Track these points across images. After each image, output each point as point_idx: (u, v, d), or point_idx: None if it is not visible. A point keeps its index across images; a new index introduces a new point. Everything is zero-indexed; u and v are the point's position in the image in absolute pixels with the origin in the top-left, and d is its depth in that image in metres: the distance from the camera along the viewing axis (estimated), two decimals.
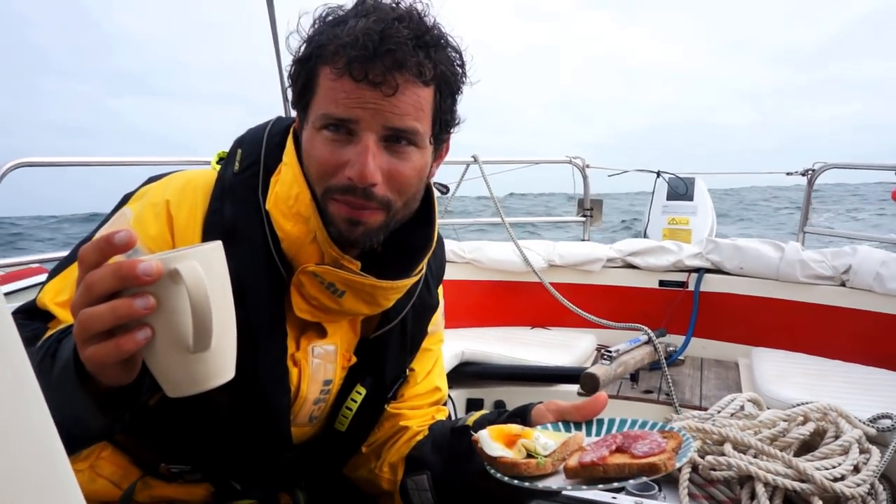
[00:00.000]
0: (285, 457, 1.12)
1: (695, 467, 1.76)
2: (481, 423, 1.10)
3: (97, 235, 0.99)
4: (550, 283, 3.14)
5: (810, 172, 3.74)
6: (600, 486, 0.85)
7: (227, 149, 1.11)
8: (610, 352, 2.55)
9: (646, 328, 2.86)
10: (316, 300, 1.03)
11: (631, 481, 0.92)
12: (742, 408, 2.09)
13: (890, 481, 1.88)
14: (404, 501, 1.17)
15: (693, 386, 2.73)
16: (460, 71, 1.02)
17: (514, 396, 2.67)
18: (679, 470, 1.75)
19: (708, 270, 3.15)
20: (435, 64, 0.97)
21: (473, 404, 2.69)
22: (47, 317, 0.96)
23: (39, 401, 0.37)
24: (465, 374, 2.66)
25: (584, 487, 0.84)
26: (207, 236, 1.00)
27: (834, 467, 1.70)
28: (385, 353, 1.17)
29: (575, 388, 2.44)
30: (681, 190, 5.22)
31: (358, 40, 0.91)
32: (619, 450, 0.88)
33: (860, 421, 1.96)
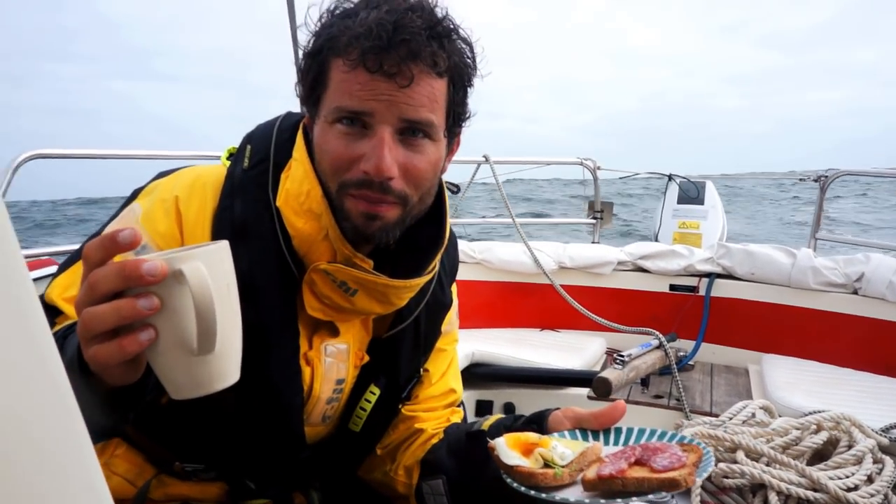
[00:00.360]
0: (299, 456, 1.11)
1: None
2: (497, 429, 1.09)
3: (103, 233, 0.99)
4: (561, 286, 3.14)
5: (823, 179, 3.72)
6: (619, 500, 0.83)
7: (231, 142, 1.10)
8: (623, 356, 2.54)
9: (657, 332, 2.85)
10: (328, 299, 1.02)
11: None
12: (753, 415, 2.07)
13: None
14: None
15: (703, 392, 2.72)
16: (472, 63, 1.00)
17: (524, 399, 2.67)
18: None
19: (719, 276, 3.13)
20: (449, 55, 0.95)
21: (483, 406, 2.68)
22: (55, 312, 0.95)
23: (69, 394, 0.37)
24: (475, 375, 2.66)
25: (603, 502, 0.83)
26: (217, 233, 0.99)
27: (847, 477, 1.69)
28: (398, 353, 1.15)
29: (585, 391, 2.43)
30: (692, 194, 5.20)
31: (372, 31, 0.89)
32: (639, 462, 0.86)
33: (873, 430, 1.95)
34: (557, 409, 1.05)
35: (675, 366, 2.74)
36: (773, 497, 1.65)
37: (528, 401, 2.66)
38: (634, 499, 1.16)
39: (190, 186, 1.03)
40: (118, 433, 0.83)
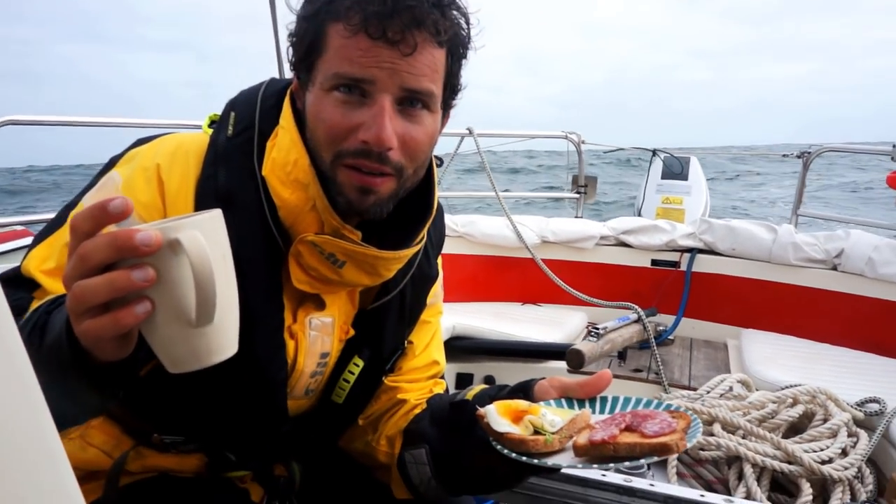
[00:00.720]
0: (281, 429, 1.10)
1: None
2: (482, 398, 1.08)
3: (90, 203, 0.96)
4: (543, 260, 3.13)
5: (806, 155, 3.73)
6: (611, 464, 0.83)
7: (207, 111, 1.06)
8: (597, 329, 2.55)
9: (636, 307, 2.87)
10: (315, 271, 1.00)
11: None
12: (731, 389, 2.09)
13: (876, 465, 1.89)
14: (401, 474, 1.16)
15: (682, 366, 2.74)
16: (468, 34, 0.98)
17: (505, 372, 2.67)
18: None
19: (701, 251, 3.14)
20: (450, 24, 0.93)
21: (463, 379, 2.69)
22: (32, 286, 0.92)
23: (30, 374, 0.36)
24: (456, 348, 2.66)
25: (595, 466, 0.83)
26: (200, 203, 0.97)
27: (822, 450, 1.71)
28: (383, 325, 1.14)
29: (565, 364, 2.44)
30: (676, 169, 5.21)
31: None
32: (629, 429, 0.86)
33: (848, 405, 1.97)
34: (543, 378, 1.04)
35: (653, 340, 2.75)
36: (748, 469, 1.67)
37: (509, 374, 2.66)
38: (613, 470, 1.16)
39: (172, 154, 1.00)
40: (105, 410, 0.81)
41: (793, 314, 2.94)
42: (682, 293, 3.10)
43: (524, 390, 1.03)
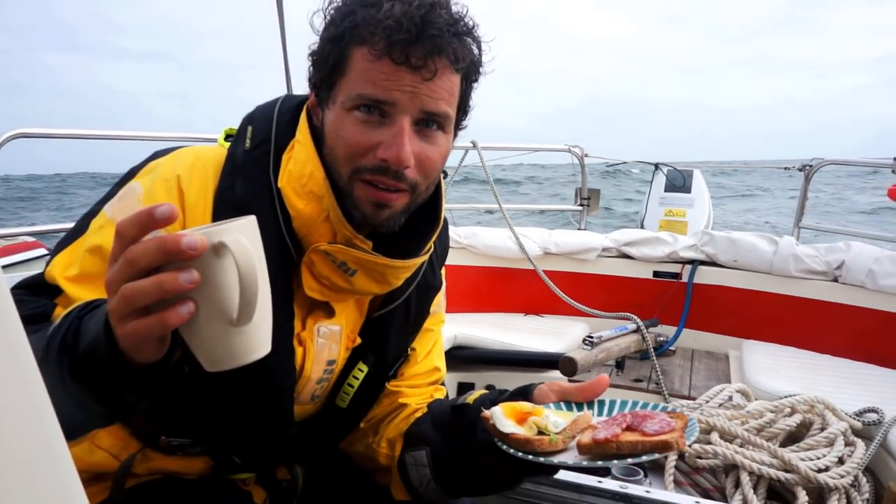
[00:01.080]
0: (287, 434, 1.13)
1: (681, 455, 1.78)
2: (483, 402, 1.11)
3: (111, 213, 1.00)
4: (545, 271, 3.16)
5: (807, 168, 3.75)
6: (614, 461, 0.87)
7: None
8: (592, 338, 2.58)
9: (635, 317, 2.89)
10: (327, 279, 1.04)
11: (616, 468, 0.93)
12: (730, 398, 2.11)
13: (874, 474, 1.90)
14: (402, 476, 1.19)
15: (683, 376, 2.75)
16: (480, 61, 1.04)
17: (505, 381, 2.69)
18: (665, 457, 1.77)
19: (702, 262, 3.16)
20: (467, 52, 0.98)
21: (464, 388, 2.71)
22: (54, 292, 0.96)
23: (36, 378, 0.37)
24: (458, 357, 2.68)
25: (600, 463, 0.86)
26: (218, 213, 1.00)
27: (819, 458, 1.73)
28: (388, 332, 1.18)
29: (571, 377, 2.46)
30: (678, 182, 5.24)
31: (402, 24, 0.91)
32: (629, 428, 0.89)
33: (847, 414, 1.98)
34: (542, 383, 1.07)
35: (652, 350, 2.77)
36: (744, 477, 1.69)
37: (509, 384, 2.66)
38: (610, 477, 1.18)
39: (191, 166, 1.04)
40: (138, 412, 0.84)
41: (794, 325, 2.96)
42: (683, 304, 3.12)
43: (524, 394, 1.06)
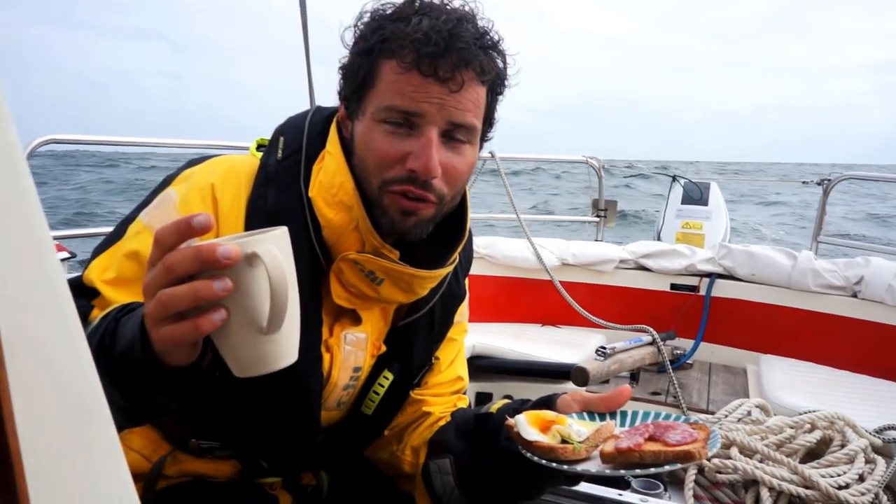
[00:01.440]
0: (313, 440, 1.15)
1: (700, 469, 1.78)
2: (506, 411, 1.13)
3: (147, 219, 1.03)
4: (562, 282, 3.16)
5: (826, 182, 3.74)
6: (637, 470, 0.88)
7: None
8: (605, 349, 2.58)
9: (650, 329, 2.88)
10: (354, 287, 1.06)
11: (636, 481, 0.95)
12: (749, 413, 2.11)
13: (894, 492, 1.89)
14: (425, 484, 1.20)
15: (700, 390, 2.75)
16: (505, 73, 1.06)
17: (523, 392, 2.70)
18: (684, 471, 1.77)
19: (720, 276, 3.16)
20: (493, 65, 1.01)
21: (483, 398, 2.72)
22: (91, 294, 0.99)
23: (93, 373, 0.38)
24: (476, 367, 2.69)
25: (623, 472, 0.88)
26: (250, 221, 1.03)
27: (839, 475, 1.72)
28: (413, 341, 1.20)
29: (585, 387, 2.46)
30: (696, 195, 5.23)
31: (430, 37, 0.94)
32: (652, 438, 0.91)
33: (867, 431, 1.98)
34: (565, 393, 1.09)
35: (668, 363, 2.77)
36: (764, 493, 1.69)
37: (527, 394, 2.66)
38: (630, 490, 1.19)
39: (225, 175, 1.07)
40: (170, 412, 0.87)
41: (812, 340, 2.94)
42: (700, 318, 3.12)
43: (547, 404, 1.08)
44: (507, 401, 1.22)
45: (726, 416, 2.05)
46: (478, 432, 1.16)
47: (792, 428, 1.91)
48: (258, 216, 1.04)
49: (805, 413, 1.97)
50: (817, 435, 1.89)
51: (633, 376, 2.79)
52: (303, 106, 1.30)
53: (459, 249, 1.15)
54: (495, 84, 1.05)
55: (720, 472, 1.77)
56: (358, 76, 1.02)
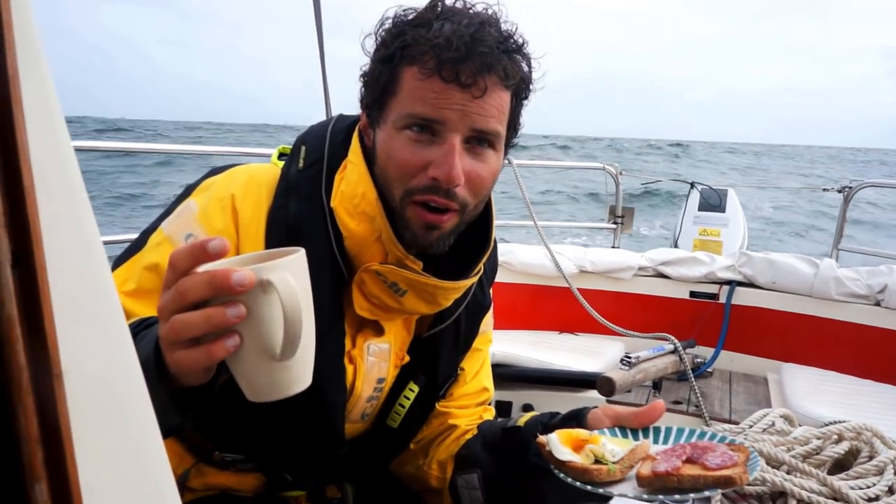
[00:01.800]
0: (337, 452, 1.13)
1: None
2: (535, 425, 1.11)
3: (170, 230, 1.02)
4: (581, 289, 3.14)
5: (847, 189, 3.71)
6: (676, 496, 0.85)
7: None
8: (629, 358, 2.55)
9: (672, 338, 2.85)
10: (377, 298, 1.05)
11: (664, 497, 0.92)
12: (773, 424, 2.07)
13: None
14: (453, 499, 1.19)
15: (722, 399, 2.72)
16: (530, 78, 1.04)
17: (543, 400, 2.68)
18: None
19: (740, 283, 3.13)
20: (517, 69, 0.99)
21: (502, 406, 2.70)
22: None
23: (141, 379, 0.41)
24: (495, 375, 2.66)
25: (661, 497, 0.85)
26: (271, 232, 1.02)
27: (869, 487, 1.69)
28: (439, 352, 1.18)
29: (610, 397, 2.43)
30: (714, 201, 5.19)
31: (451, 42, 0.92)
32: (690, 460, 0.88)
33: (894, 442, 1.94)
34: (595, 407, 1.07)
35: (690, 372, 2.73)
36: None
37: (547, 403, 2.67)
38: (676, 497, 1.17)
39: (245, 185, 1.06)
40: (182, 432, 0.86)
41: (835, 349, 2.91)
42: (721, 326, 3.08)
43: (577, 418, 1.06)
44: (534, 413, 1.20)
45: (751, 427, 2.02)
46: (506, 447, 1.14)
47: (819, 439, 1.88)
48: (279, 227, 1.02)
49: (831, 423, 1.94)
50: (845, 446, 1.85)
51: (656, 385, 2.76)
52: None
53: (484, 259, 1.13)
54: (520, 89, 1.03)
55: (748, 485, 1.74)
56: (379, 84, 1.00)
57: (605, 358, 2.97)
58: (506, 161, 3.45)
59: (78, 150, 2.46)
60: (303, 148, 1.09)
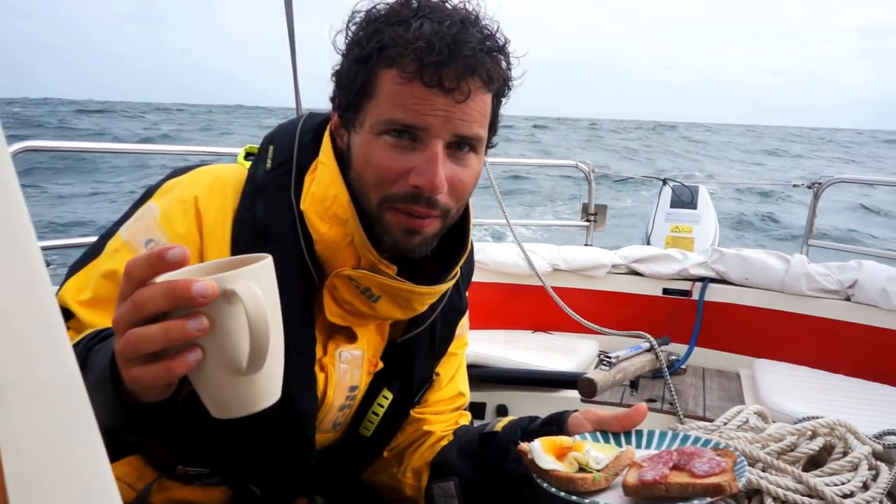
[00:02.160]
0: (307, 464, 1.09)
1: None
2: (513, 430, 1.08)
3: (128, 235, 0.97)
4: (554, 287, 3.12)
5: (816, 186, 3.73)
6: None
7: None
8: (609, 357, 2.54)
9: (648, 336, 2.85)
10: (349, 304, 1.01)
11: None
12: (747, 420, 2.07)
13: (895, 499, 1.86)
14: None
15: (696, 396, 2.72)
16: (510, 76, 1.01)
17: (517, 401, 2.66)
18: None
19: (713, 280, 3.14)
20: (500, 70, 0.96)
21: (475, 408, 2.67)
22: (66, 315, 0.93)
23: (85, 398, 0.37)
24: (468, 377, 2.64)
25: None
26: (237, 235, 0.98)
27: (843, 483, 1.69)
28: (413, 357, 1.15)
29: (578, 394, 2.42)
30: (685, 198, 5.23)
31: (433, 45, 0.88)
32: (677, 467, 0.85)
33: (867, 437, 1.95)
34: (576, 410, 1.05)
35: (666, 369, 2.73)
36: (769, 503, 1.65)
37: (521, 403, 2.65)
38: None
39: (209, 186, 1.01)
40: (140, 450, 0.81)
41: (806, 344, 2.92)
42: (694, 322, 3.09)
43: (557, 422, 1.03)
44: (511, 418, 1.17)
45: (725, 424, 2.01)
46: (483, 453, 1.12)
47: (793, 435, 1.87)
48: (245, 230, 0.98)
49: (805, 420, 1.94)
50: (819, 442, 1.85)
51: (633, 384, 2.75)
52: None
53: (461, 263, 1.09)
54: (501, 89, 1.00)
55: None
56: (354, 85, 0.95)
57: (580, 356, 2.96)
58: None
59: (26, 150, 2.39)
60: (270, 147, 1.04)
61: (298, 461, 1.08)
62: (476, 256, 3.25)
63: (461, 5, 0.96)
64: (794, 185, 4.00)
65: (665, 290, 3.21)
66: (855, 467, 1.77)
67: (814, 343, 2.91)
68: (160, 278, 0.66)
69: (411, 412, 1.20)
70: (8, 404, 0.30)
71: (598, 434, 0.98)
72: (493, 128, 1.03)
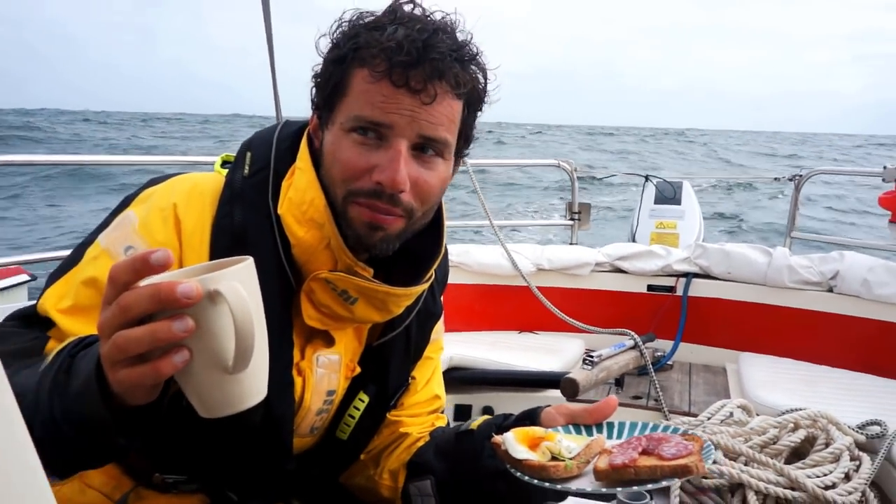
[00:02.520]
0: (285, 468, 1.10)
1: None
2: (488, 428, 1.10)
3: (106, 243, 0.97)
4: (539, 287, 3.13)
5: (798, 178, 3.76)
6: (634, 487, 0.85)
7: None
8: (592, 356, 2.54)
9: (632, 333, 2.85)
10: (327, 307, 1.02)
11: (621, 491, 0.91)
12: (731, 414, 2.08)
13: (879, 488, 1.88)
14: None
15: (682, 391, 2.73)
16: (484, 89, 1.03)
17: (503, 402, 2.66)
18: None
19: (696, 275, 3.15)
20: (469, 78, 0.98)
21: (462, 410, 2.67)
22: (47, 324, 0.93)
23: (17, 418, 0.35)
24: (454, 379, 2.64)
25: (619, 489, 0.85)
26: (216, 241, 0.99)
27: (825, 475, 1.70)
28: (389, 361, 1.16)
29: (574, 398, 2.42)
30: (668, 194, 5.25)
31: (402, 47, 0.91)
32: (646, 452, 0.88)
33: (850, 427, 1.96)
34: (548, 406, 1.06)
35: (651, 366, 2.74)
36: (751, 497, 1.66)
37: (507, 404, 2.65)
38: (616, 502, 1.16)
39: (188, 194, 1.03)
40: (126, 454, 0.81)
41: (790, 337, 2.94)
42: (679, 318, 3.10)
43: (530, 418, 1.05)
44: (487, 417, 1.18)
45: (709, 419, 2.02)
46: (459, 451, 1.13)
47: (776, 428, 1.89)
48: (224, 236, 0.99)
49: (788, 412, 1.95)
50: (801, 434, 1.87)
51: (618, 382, 2.75)
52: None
53: (435, 265, 1.11)
54: (472, 99, 1.02)
55: (705, 478, 1.73)
56: (329, 84, 0.99)
57: (566, 355, 2.96)
58: (462, 164, 3.41)
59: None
60: (248, 154, 1.06)
61: (276, 466, 1.08)
62: (460, 259, 3.29)
63: (441, 17, 0.99)
64: (776, 179, 4.02)
65: (649, 287, 3.22)
66: (837, 458, 1.78)
67: (798, 335, 2.92)
68: (144, 282, 0.67)
69: (388, 415, 1.20)
70: None
71: (571, 427, 1.00)
72: (465, 137, 1.05)
